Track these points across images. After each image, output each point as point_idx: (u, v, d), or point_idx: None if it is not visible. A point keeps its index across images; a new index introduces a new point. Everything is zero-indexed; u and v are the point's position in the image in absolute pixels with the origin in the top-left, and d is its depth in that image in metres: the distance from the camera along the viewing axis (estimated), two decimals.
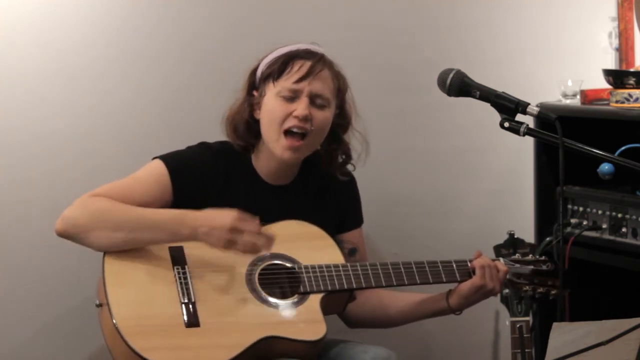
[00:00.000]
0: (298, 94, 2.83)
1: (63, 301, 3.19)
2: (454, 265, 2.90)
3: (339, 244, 2.94)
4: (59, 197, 2.78)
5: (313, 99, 2.84)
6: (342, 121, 2.94)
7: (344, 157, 2.98)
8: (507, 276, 2.91)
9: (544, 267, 2.95)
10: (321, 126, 2.86)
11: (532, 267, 2.95)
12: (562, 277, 2.89)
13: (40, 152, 3.16)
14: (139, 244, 2.75)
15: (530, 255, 2.97)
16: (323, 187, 2.98)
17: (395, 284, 2.86)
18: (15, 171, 3.15)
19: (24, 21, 3.12)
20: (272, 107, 2.85)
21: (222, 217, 2.72)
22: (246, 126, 2.90)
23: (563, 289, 2.92)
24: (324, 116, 2.86)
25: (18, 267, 3.17)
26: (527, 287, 2.93)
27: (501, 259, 2.94)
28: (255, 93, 2.91)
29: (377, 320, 3.03)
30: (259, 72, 2.90)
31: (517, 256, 2.97)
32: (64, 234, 2.75)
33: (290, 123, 2.83)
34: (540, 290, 2.94)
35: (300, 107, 2.81)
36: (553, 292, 2.94)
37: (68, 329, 3.20)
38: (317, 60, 2.85)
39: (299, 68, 2.83)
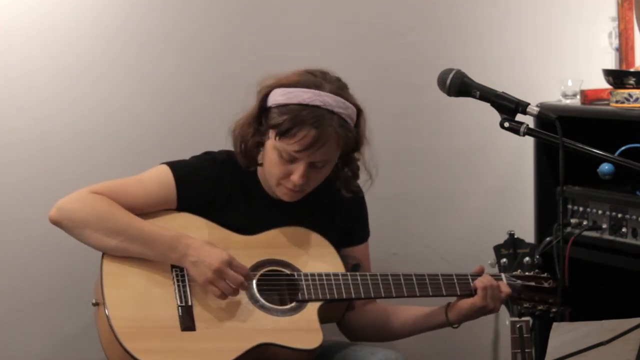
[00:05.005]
0: (297, 159, 2.74)
1: (63, 301, 3.19)
2: (455, 279, 2.87)
3: (343, 259, 2.91)
4: (58, 198, 2.78)
5: (312, 164, 2.75)
6: (353, 147, 2.84)
7: (350, 174, 2.90)
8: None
9: (546, 285, 2.91)
10: (319, 180, 2.80)
11: (533, 284, 2.91)
12: (560, 291, 2.87)
13: (40, 152, 3.16)
14: (128, 255, 2.73)
15: (533, 272, 2.92)
16: (330, 202, 2.93)
17: (394, 295, 2.84)
18: (15, 171, 3.15)
19: (23, 21, 3.12)
20: (271, 160, 2.77)
21: (213, 255, 2.69)
22: (252, 153, 2.82)
23: (563, 305, 2.89)
24: (323, 174, 2.79)
25: (17, 267, 3.17)
26: (527, 303, 2.89)
27: (503, 276, 2.90)
28: (263, 122, 2.78)
29: (380, 334, 3.00)
30: (269, 102, 2.77)
31: (518, 272, 2.92)
32: (57, 224, 2.74)
33: (287, 184, 2.77)
34: (541, 307, 2.90)
35: (297, 174, 2.73)
36: (553, 309, 2.91)
37: (68, 329, 3.20)
38: (323, 130, 2.70)
39: (302, 138, 2.70)
